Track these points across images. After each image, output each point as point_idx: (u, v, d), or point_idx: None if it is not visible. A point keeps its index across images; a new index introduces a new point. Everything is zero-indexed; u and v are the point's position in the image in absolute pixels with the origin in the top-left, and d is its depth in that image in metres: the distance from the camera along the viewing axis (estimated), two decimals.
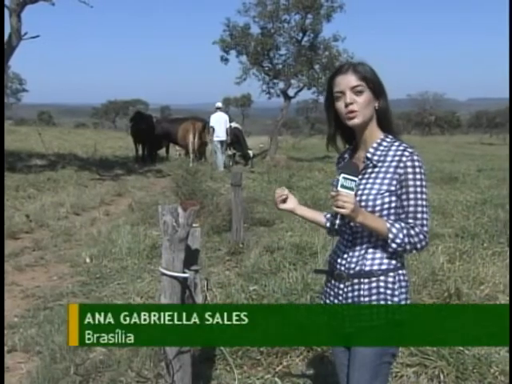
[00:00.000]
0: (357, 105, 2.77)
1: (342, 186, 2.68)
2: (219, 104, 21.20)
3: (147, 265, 7.92)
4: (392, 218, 2.77)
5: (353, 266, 2.82)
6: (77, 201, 12.91)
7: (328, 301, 2.97)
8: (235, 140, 22.43)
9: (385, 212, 2.77)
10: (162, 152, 25.36)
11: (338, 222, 2.74)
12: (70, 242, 9.49)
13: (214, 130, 20.45)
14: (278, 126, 27.18)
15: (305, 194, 13.74)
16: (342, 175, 2.70)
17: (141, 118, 24.25)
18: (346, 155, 2.99)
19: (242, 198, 8.95)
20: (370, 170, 2.81)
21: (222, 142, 20.70)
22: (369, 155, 2.82)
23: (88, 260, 8.15)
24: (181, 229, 2.97)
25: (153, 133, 23.05)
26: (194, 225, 3.11)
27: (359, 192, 2.78)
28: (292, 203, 3.10)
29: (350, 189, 2.67)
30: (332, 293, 2.93)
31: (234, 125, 22.93)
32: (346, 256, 2.86)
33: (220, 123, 20.59)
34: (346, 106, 2.77)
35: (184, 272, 3.05)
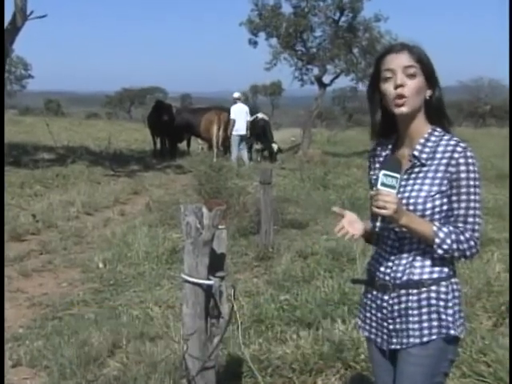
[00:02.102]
0: (408, 89, 2.70)
1: (383, 184, 2.64)
2: (237, 94, 21.18)
3: (166, 270, 7.97)
4: (442, 221, 2.73)
5: (399, 275, 2.79)
6: (88, 199, 13.04)
7: (369, 314, 2.95)
8: (261, 133, 22.43)
9: (436, 216, 2.72)
10: (183, 146, 25.47)
11: (378, 224, 2.72)
12: (81, 245, 9.58)
13: (234, 122, 20.46)
14: (311, 117, 27.16)
15: (342, 193, 13.73)
16: (383, 172, 2.66)
17: (159, 107, 24.37)
18: (385, 151, 2.94)
19: (271, 198, 8.95)
20: (417, 170, 2.76)
21: (241, 137, 20.73)
22: (416, 153, 2.76)
23: (101, 265, 8.23)
24: (205, 231, 2.98)
25: (172, 124, 23.16)
26: (219, 226, 3.11)
27: (406, 194, 2.74)
28: (360, 227, 2.85)
29: (392, 187, 2.64)
30: (374, 305, 2.91)
31: (260, 116, 22.94)
32: (390, 264, 2.82)
33: (241, 116, 20.61)
34: (396, 87, 2.71)
35: (209, 279, 3.05)
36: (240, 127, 20.52)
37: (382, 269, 2.85)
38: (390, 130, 2.90)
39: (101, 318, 6.25)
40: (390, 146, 2.93)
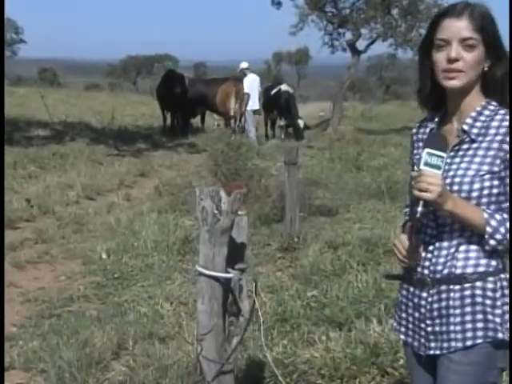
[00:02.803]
0: (463, 63, 2.66)
1: (427, 164, 2.62)
2: (246, 64, 21.14)
3: (178, 262, 8.02)
4: (492, 207, 2.68)
5: (439, 268, 2.75)
6: (89, 182, 13.12)
7: (405, 314, 2.93)
8: (285, 107, 22.38)
9: (484, 199, 2.67)
10: (196, 121, 25.48)
11: (419, 209, 2.66)
12: (82, 234, 9.66)
13: (249, 97, 20.42)
14: (342, 88, 27.06)
15: (377, 175, 13.68)
16: (427, 150, 2.63)
17: (170, 77, 24.32)
18: (430, 125, 2.90)
19: (297, 180, 8.95)
20: (466, 146, 2.72)
21: (254, 112, 20.71)
22: (465, 127, 2.73)
23: (104, 256, 8.29)
24: (223, 217, 2.98)
25: (185, 97, 23.14)
26: (239, 212, 3.12)
27: (451, 173, 2.70)
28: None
29: (437, 167, 2.61)
30: (411, 304, 2.89)
31: (284, 88, 22.90)
32: (429, 256, 2.79)
33: (254, 88, 20.58)
34: (449, 61, 2.67)
35: (227, 272, 3.06)
36: (254, 101, 20.52)
37: (420, 261, 2.83)
38: (438, 102, 2.86)
39: (104, 315, 6.30)
40: (436, 120, 2.89)
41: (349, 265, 7.45)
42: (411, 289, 2.88)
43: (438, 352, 2.77)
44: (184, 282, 7.20)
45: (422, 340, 2.84)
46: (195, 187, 3.07)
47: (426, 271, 2.79)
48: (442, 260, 2.75)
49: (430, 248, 2.79)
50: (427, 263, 2.79)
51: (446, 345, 2.74)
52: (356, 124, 28.12)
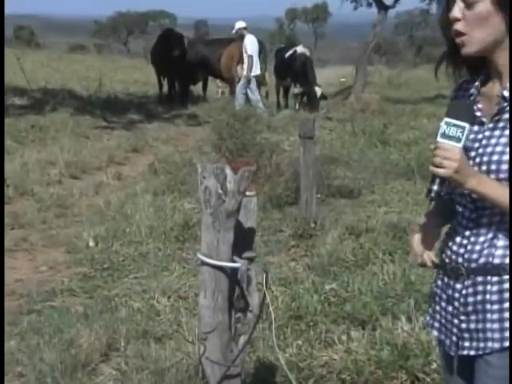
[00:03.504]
0: (463, 24, 2.65)
1: (444, 136, 2.61)
2: (242, 23, 21.02)
3: (177, 251, 8.06)
4: None
5: (475, 256, 2.73)
6: (74, 158, 13.15)
7: (438, 307, 2.94)
8: (301, 72, 22.28)
9: None
10: (197, 89, 25.45)
11: (434, 188, 2.66)
12: (66, 218, 9.70)
13: (252, 60, 20.38)
14: (367, 50, 26.93)
15: (407, 151, 13.65)
16: (445, 119, 2.63)
17: (167, 38, 24.24)
18: (471, 89, 2.84)
19: (314, 157, 8.94)
20: (505, 117, 2.68)
21: (256, 77, 20.71)
22: (506, 93, 2.68)
23: (91, 243, 8.32)
24: (229, 198, 2.98)
25: (184, 60, 23.10)
26: (247, 193, 3.12)
27: (488, 149, 2.68)
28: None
29: (456, 139, 2.59)
30: (444, 296, 2.89)
31: (299, 49, 22.82)
32: (465, 242, 2.77)
33: (255, 51, 20.56)
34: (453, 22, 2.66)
35: (233, 261, 3.08)
36: (257, 66, 20.51)
37: (455, 248, 2.81)
38: (477, 62, 2.81)
39: (92, 311, 6.32)
40: (477, 84, 2.84)
41: (373, 254, 7.46)
42: (446, 279, 2.87)
43: (472, 353, 2.76)
44: (183, 274, 7.22)
45: (454, 338, 2.83)
46: (196, 164, 3.07)
47: (460, 259, 2.78)
48: (478, 248, 2.73)
49: (467, 233, 2.77)
50: (462, 250, 2.78)
51: (482, 345, 2.73)
52: (382, 92, 28.00)
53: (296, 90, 23.08)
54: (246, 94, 20.60)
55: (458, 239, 2.81)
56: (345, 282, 6.60)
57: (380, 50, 56.62)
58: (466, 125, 2.60)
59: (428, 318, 3.03)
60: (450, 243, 2.85)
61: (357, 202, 10.13)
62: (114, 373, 5.15)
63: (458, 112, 2.64)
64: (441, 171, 2.58)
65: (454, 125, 2.60)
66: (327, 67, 45.13)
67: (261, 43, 22.21)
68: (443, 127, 2.61)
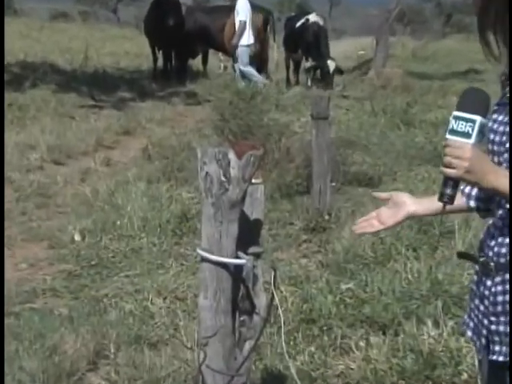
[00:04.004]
0: None
1: (452, 132, 2.60)
2: None
3: (174, 246, 8.07)
4: None
5: (504, 250, 2.73)
6: (57, 141, 13.11)
7: (473, 305, 2.94)
8: (314, 43, 22.21)
9: None
10: (197, 63, 25.42)
11: (447, 191, 2.66)
12: (48, 209, 9.70)
13: (245, 27, 20.36)
14: (389, 19, 26.91)
15: (433, 133, 13.64)
16: (454, 113, 2.60)
17: (162, 5, 24.14)
18: None
19: (328, 140, 8.94)
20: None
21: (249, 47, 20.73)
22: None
23: (77, 237, 8.31)
24: (233, 186, 2.99)
25: (181, 30, 23.04)
26: (253, 180, 3.12)
27: (499, 138, 2.70)
28: (404, 207, 3.08)
29: (466, 135, 2.56)
30: (478, 293, 2.89)
31: (312, 18, 22.76)
32: (497, 233, 2.78)
33: (248, 16, 20.55)
34: None
35: (238, 257, 3.08)
36: (250, 33, 20.50)
37: (488, 241, 2.82)
38: None
39: (77, 314, 6.33)
40: None
41: (395, 249, 7.44)
42: (479, 274, 2.87)
43: (501, 358, 2.75)
44: (181, 271, 7.23)
45: (484, 341, 2.83)
46: (196, 148, 3.07)
47: (490, 253, 2.79)
48: (507, 240, 2.73)
49: (499, 224, 2.77)
50: (493, 242, 2.79)
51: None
52: (406, 66, 27.94)
53: (308, 64, 23.00)
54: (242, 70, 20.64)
55: (491, 232, 2.81)
56: (363, 281, 6.58)
57: (404, 19, 56.42)
58: (477, 117, 2.57)
59: (465, 317, 3.03)
60: (486, 236, 2.85)
61: (377, 191, 10.04)
62: (103, 383, 5.16)
63: (467, 103, 2.61)
64: (448, 172, 2.60)
65: (463, 118, 2.58)
66: (344, 38, 45.07)
67: (267, 12, 22.21)
68: (451, 122, 2.60)
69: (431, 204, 2.97)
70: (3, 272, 7.03)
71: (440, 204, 2.74)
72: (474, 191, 3.00)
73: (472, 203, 3.02)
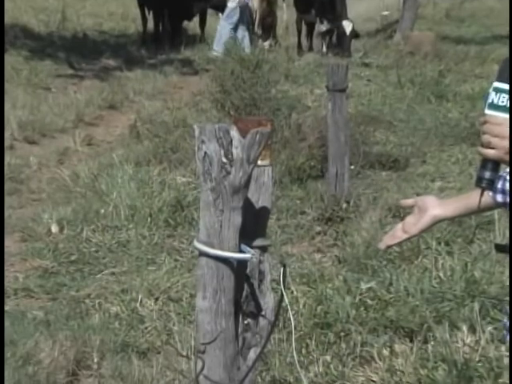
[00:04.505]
0: None
1: (492, 106, 2.58)
2: None
3: (167, 239, 8.08)
4: None
5: None
6: (31, 117, 13.14)
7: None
8: (328, 2, 22.07)
9: None
10: (193, 25, 25.38)
11: (487, 175, 2.64)
12: (20, 195, 9.73)
13: None
14: None
15: (470, 108, 13.63)
16: (494, 84, 2.59)
17: None
18: None
19: (346, 116, 8.94)
20: None
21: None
22: None
23: (54, 229, 8.32)
24: (236, 169, 2.99)
25: None
26: (259, 162, 3.13)
27: None
28: (427, 212, 3.08)
29: (506, 110, 2.56)
30: None
31: None
32: None
33: None
34: None
35: (241, 251, 3.08)
36: None
37: None
38: None
39: (55, 317, 6.35)
40: None
41: (424, 243, 7.45)
42: None
43: None
44: (175, 268, 7.24)
45: None
46: (192, 125, 3.07)
47: None
48: None
49: None
50: None
51: None
52: (438, 28, 27.85)
53: (323, 27, 22.90)
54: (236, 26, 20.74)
55: None
56: (387, 279, 6.59)
57: None
58: None
59: (505, 320, 3.08)
60: None
61: (403, 174, 10.12)
62: None
63: (509, 72, 2.58)
64: (490, 152, 2.57)
65: (505, 90, 2.56)
66: None
67: None
68: (491, 95, 2.58)
69: (460, 203, 3.00)
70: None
71: (472, 203, 2.75)
72: (507, 184, 2.98)
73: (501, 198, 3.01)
